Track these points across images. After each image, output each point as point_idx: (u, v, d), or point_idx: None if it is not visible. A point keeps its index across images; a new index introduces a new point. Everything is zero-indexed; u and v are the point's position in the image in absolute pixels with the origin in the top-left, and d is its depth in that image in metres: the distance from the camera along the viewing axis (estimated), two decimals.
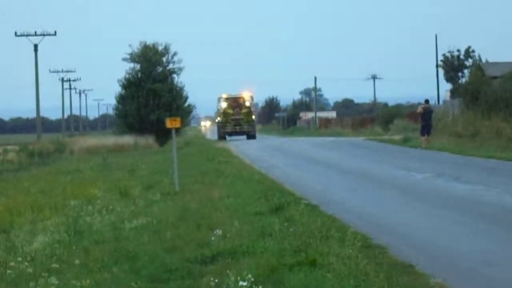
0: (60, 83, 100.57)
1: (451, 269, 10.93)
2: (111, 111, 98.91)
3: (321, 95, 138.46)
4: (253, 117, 76.41)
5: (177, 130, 28.08)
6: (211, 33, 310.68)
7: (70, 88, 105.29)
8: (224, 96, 74.32)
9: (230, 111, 73.27)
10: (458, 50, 79.78)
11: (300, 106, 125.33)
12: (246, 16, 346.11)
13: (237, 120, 73.00)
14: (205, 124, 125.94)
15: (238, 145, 50.86)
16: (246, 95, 76.13)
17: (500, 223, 14.53)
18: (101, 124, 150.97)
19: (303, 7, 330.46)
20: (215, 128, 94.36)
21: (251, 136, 74.00)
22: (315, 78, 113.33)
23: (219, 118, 76.55)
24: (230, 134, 73.69)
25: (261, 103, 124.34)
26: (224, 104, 73.99)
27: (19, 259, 13.06)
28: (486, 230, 13.91)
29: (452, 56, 79.59)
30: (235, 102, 74.15)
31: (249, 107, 74.90)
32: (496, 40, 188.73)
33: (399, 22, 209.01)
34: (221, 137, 73.86)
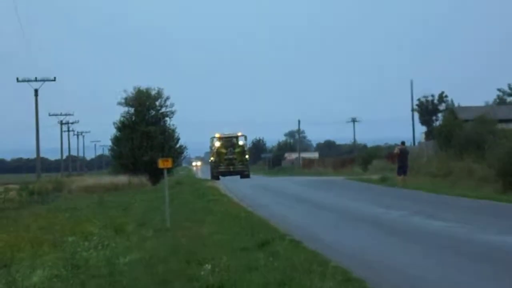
0: (59, 125, 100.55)
1: None
2: (107, 152, 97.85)
3: (304, 137, 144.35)
4: (247, 156, 74.98)
5: (169, 170, 27.92)
6: (200, 77, 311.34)
7: (68, 131, 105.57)
8: (217, 135, 73.61)
9: (224, 150, 72.31)
10: (432, 95, 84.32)
11: (285, 147, 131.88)
12: (234, 61, 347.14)
13: (231, 159, 71.83)
14: (197, 164, 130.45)
15: (226, 184, 51.19)
16: (239, 135, 75.09)
17: (469, 256, 14.91)
18: (97, 164, 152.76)
19: (289, 53, 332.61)
20: (206, 167, 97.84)
21: (245, 175, 72.62)
22: (299, 121, 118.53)
23: (212, 158, 75.20)
24: (224, 174, 72.03)
25: (248, 144, 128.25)
26: (217, 144, 73.11)
27: None
28: (456, 263, 14.22)
29: (427, 101, 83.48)
30: (228, 142, 73.23)
31: (242, 146, 73.92)
32: (467, 85, 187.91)
33: (377, 69, 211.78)
34: (214, 177, 71.77)
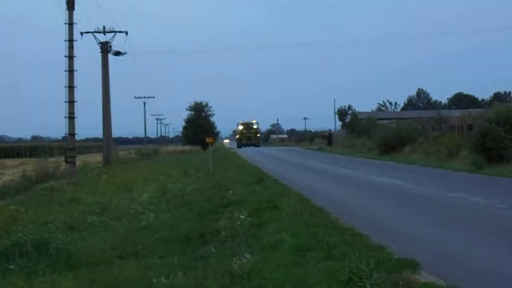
0: (155, 121, 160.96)
1: (332, 204, 17.10)
2: (178, 133, 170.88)
3: (280, 126, 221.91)
4: (258, 135, 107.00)
5: (211, 143, 42.59)
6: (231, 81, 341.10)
7: (160, 122, 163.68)
8: (241, 122, 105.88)
9: (244, 131, 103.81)
10: (345, 106, 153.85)
11: (271, 131, 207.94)
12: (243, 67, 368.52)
13: (249, 137, 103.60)
14: (226, 141, 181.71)
15: (241, 151, 76.57)
16: (254, 122, 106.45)
17: (363, 187, 23.97)
18: (176, 139, 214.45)
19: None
20: (231, 142, 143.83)
21: (257, 146, 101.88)
22: (277, 119, 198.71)
23: (237, 136, 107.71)
24: (245, 145, 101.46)
25: (263, 128, 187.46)
26: (240, 127, 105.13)
27: (135, 204, 19.85)
28: (356, 190, 22.36)
29: (343, 109, 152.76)
30: (247, 125, 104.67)
31: (255, 129, 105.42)
32: (363, 98, 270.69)
33: (316, 90, 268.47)
34: (239, 146, 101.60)
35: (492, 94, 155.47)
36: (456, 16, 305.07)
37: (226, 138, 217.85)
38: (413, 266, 9.61)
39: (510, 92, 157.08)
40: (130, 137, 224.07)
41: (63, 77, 39.34)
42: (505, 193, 20.48)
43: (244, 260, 10.40)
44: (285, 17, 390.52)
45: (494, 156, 31.81)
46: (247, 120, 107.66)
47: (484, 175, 27.80)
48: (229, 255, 11.23)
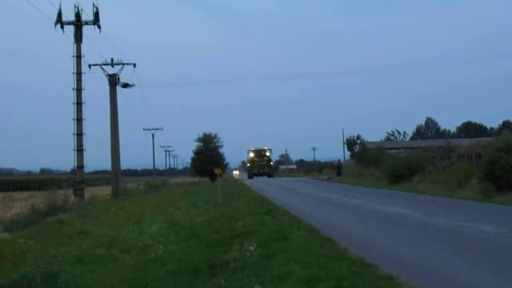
0: (164, 152, 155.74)
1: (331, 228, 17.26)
2: (187, 165, 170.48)
3: (289, 157, 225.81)
4: (271, 163, 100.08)
5: (220, 174, 42.06)
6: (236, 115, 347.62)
7: (168, 153, 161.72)
8: (252, 149, 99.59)
9: (256, 159, 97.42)
10: (354, 136, 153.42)
11: (279, 162, 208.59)
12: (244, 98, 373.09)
13: (261, 165, 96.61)
14: (236, 172, 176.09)
15: (250, 181, 76.81)
16: (266, 148, 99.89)
17: (370, 216, 24.05)
18: (184, 171, 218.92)
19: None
20: (242, 173, 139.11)
21: (270, 176, 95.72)
22: (286, 149, 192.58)
23: (248, 164, 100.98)
24: (256, 174, 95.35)
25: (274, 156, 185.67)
26: (251, 154, 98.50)
27: (144, 236, 19.67)
28: (362, 219, 22.24)
29: (352, 139, 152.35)
30: (259, 153, 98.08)
31: (268, 156, 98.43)
32: (372, 129, 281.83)
33: (324, 120, 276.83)
34: (250, 176, 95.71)
35: (500, 123, 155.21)
36: (464, 45, 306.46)
37: (235, 169, 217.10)
38: None
39: None
40: (139, 169, 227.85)
41: (72, 109, 39.51)
42: None
43: None
44: (294, 49, 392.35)
45: (503, 184, 31.72)
46: (258, 147, 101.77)
47: (493, 204, 27.68)
48: (238, 287, 11.14)
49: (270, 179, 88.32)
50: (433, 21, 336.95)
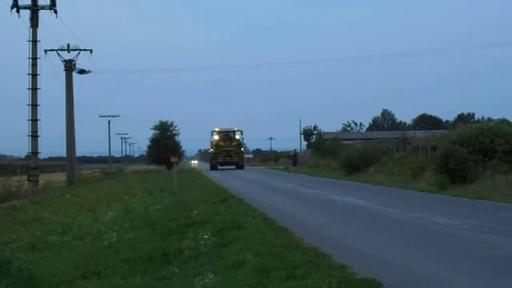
0: (120, 140, 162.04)
1: (298, 224, 17.12)
2: (143, 152, 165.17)
3: (245, 146, 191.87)
4: (242, 149, 77.27)
5: (176, 163, 42.40)
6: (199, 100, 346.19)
7: (125, 141, 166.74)
8: (217, 130, 77.57)
9: (222, 143, 75.27)
10: (311, 126, 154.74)
11: None
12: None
13: (228, 151, 74.94)
14: (194, 162, 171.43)
15: (205, 170, 73.99)
16: (236, 130, 78.17)
17: (324, 205, 24.01)
18: (140, 158, 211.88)
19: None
20: (202, 163, 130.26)
21: (239, 166, 75.22)
22: (243, 139, 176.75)
23: (211, 150, 77.56)
24: (221, 163, 74.02)
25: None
26: (216, 137, 76.54)
27: (99, 224, 19.53)
28: (315, 208, 22.30)
29: (309, 129, 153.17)
30: (226, 136, 76.28)
31: (238, 140, 76.97)
32: (328, 119, 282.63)
33: (282, 110, 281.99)
34: (213, 166, 74.88)
35: (456, 116, 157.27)
36: (420, 38, 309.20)
37: (193, 158, 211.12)
38: (375, 285, 9.65)
39: (473, 114, 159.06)
40: (94, 156, 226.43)
41: (27, 95, 39.07)
42: (467, 213, 20.61)
43: (207, 280, 10.39)
44: (249, 38, 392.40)
45: (457, 177, 32.14)
46: (226, 128, 79.25)
47: (447, 196, 28.03)
48: (192, 275, 11.19)
49: (228, 170, 73.01)
50: (390, 14, 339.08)
